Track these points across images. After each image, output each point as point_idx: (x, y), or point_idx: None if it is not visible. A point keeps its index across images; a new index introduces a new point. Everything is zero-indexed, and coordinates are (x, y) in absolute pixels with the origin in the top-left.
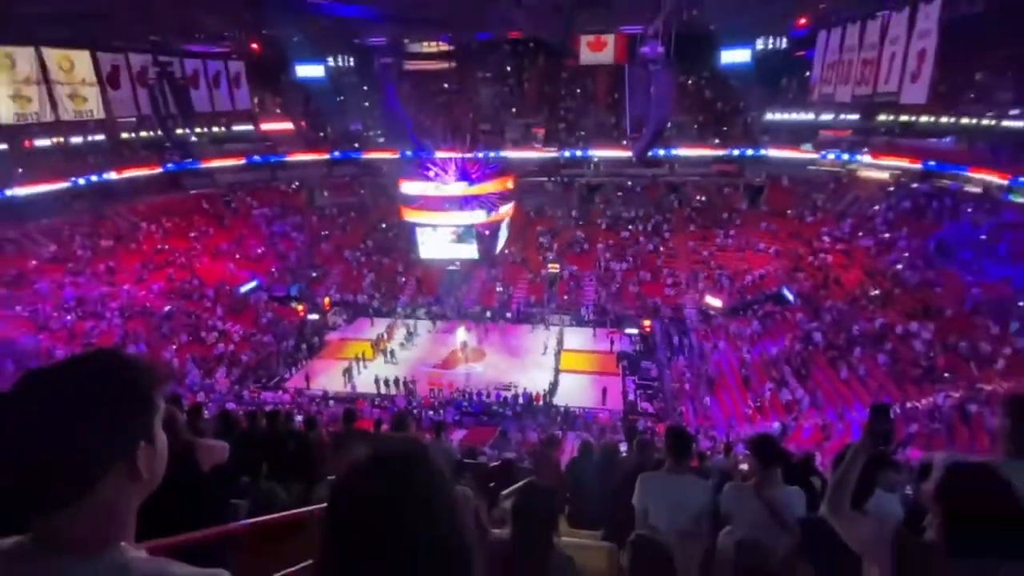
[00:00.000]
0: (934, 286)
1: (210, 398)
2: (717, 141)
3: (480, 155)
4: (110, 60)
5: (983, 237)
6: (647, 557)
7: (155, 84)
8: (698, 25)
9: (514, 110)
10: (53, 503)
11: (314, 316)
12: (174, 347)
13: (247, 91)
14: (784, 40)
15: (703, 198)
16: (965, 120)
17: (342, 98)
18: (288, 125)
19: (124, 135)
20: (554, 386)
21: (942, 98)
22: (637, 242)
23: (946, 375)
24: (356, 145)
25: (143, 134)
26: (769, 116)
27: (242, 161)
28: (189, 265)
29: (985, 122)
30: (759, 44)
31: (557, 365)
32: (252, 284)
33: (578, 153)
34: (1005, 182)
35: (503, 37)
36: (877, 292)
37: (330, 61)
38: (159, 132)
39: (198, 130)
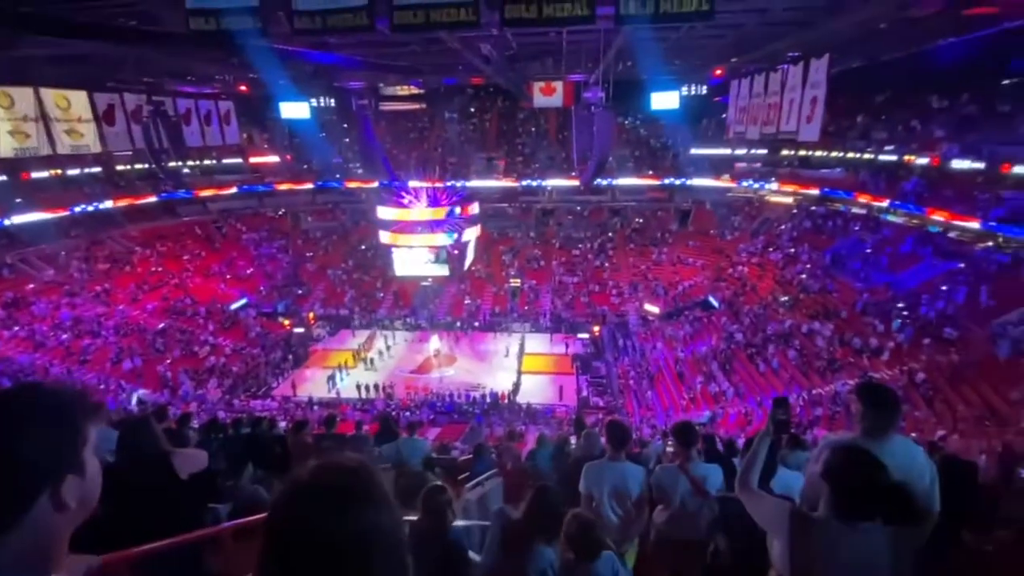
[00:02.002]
0: (831, 292)
1: (202, 407)
2: (651, 172)
3: (448, 184)
4: (106, 99)
5: (868, 250)
6: (579, 532)
7: (149, 121)
8: (632, 74)
9: (477, 145)
10: None
11: (300, 329)
12: (168, 361)
13: (236, 128)
14: (704, 87)
15: (640, 220)
16: (850, 154)
17: (324, 134)
18: (275, 158)
19: (120, 167)
20: (517, 386)
21: (831, 136)
22: (586, 259)
23: (850, 360)
24: (337, 176)
25: (138, 166)
26: (693, 151)
27: (232, 190)
28: (182, 285)
29: (866, 156)
30: (683, 90)
31: (520, 367)
32: (242, 302)
33: (534, 182)
34: (884, 204)
35: (467, 83)
36: (786, 298)
37: (313, 101)
38: (153, 165)
39: (191, 163)
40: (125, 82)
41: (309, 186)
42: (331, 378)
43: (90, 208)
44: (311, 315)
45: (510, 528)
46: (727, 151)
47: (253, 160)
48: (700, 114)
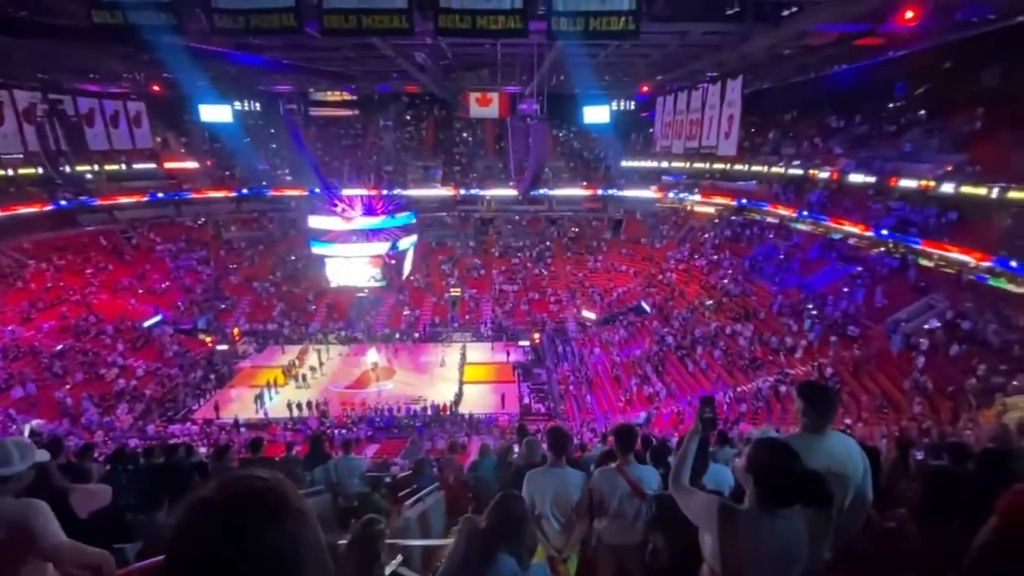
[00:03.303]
0: (750, 295)
1: (109, 436)
2: (585, 183)
3: (384, 192)
4: None
5: (782, 256)
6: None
7: (44, 121)
8: (565, 88)
9: (414, 154)
10: None
11: (223, 346)
12: (68, 386)
13: (148, 130)
14: (632, 103)
15: (576, 229)
16: (764, 168)
17: (249, 139)
18: (193, 163)
19: (8, 172)
20: (459, 396)
21: (746, 151)
22: (525, 267)
23: (769, 358)
24: (264, 183)
25: (31, 170)
26: (624, 163)
27: (144, 198)
28: (85, 302)
29: (776, 170)
30: (614, 105)
31: (461, 377)
32: (156, 318)
33: (472, 191)
34: (793, 214)
35: (402, 90)
36: (711, 301)
37: (236, 104)
38: (49, 170)
39: (95, 168)
40: (15, 77)
41: (232, 194)
42: (259, 397)
43: None
44: (236, 331)
45: (474, 537)
46: (655, 164)
47: (168, 165)
48: (629, 128)
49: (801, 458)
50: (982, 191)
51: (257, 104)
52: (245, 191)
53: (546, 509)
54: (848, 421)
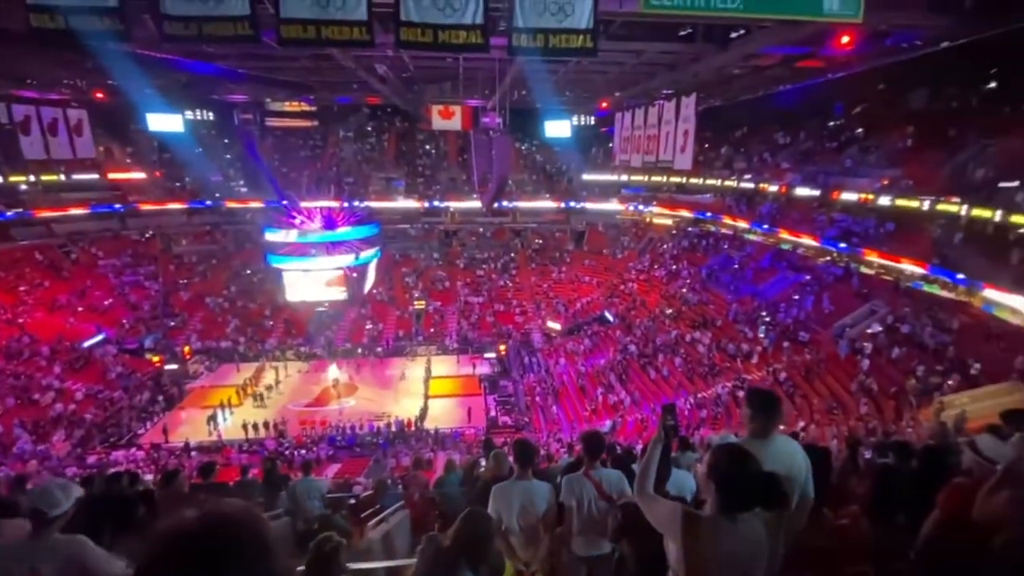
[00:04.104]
0: (707, 303)
1: (44, 465)
2: (548, 195)
3: (345, 204)
4: None
5: (736, 265)
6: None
7: None
8: (527, 103)
9: (375, 165)
10: None
11: (173, 366)
12: None
13: (91, 139)
14: (592, 118)
15: (540, 241)
16: (717, 181)
17: (201, 149)
18: (140, 174)
19: None
20: (424, 411)
21: (701, 165)
22: (490, 279)
23: (726, 364)
24: (217, 195)
25: None
26: (585, 176)
27: (86, 210)
28: (15, 321)
29: (729, 183)
30: (574, 120)
31: (426, 392)
32: (98, 338)
33: (436, 203)
34: (746, 225)
35: (363, 102)
36: (670, 310)
37: (187, 113)
38: None
39: (30, 178)
40: None
41: (183, 206)
42: (212, 418)
43: None
44: (186, 349)
45: (437, 557)
46: (615, 177)
47: (113, 176)
48: (590, 143)
49: (757, 460)
50: (915, 203)
51: (210, 113)
52: (196, 203)
53: (513, 522)
54: (802, 423)
